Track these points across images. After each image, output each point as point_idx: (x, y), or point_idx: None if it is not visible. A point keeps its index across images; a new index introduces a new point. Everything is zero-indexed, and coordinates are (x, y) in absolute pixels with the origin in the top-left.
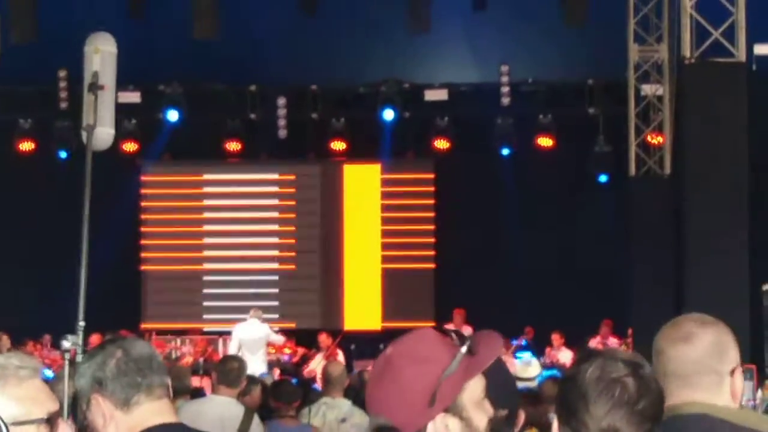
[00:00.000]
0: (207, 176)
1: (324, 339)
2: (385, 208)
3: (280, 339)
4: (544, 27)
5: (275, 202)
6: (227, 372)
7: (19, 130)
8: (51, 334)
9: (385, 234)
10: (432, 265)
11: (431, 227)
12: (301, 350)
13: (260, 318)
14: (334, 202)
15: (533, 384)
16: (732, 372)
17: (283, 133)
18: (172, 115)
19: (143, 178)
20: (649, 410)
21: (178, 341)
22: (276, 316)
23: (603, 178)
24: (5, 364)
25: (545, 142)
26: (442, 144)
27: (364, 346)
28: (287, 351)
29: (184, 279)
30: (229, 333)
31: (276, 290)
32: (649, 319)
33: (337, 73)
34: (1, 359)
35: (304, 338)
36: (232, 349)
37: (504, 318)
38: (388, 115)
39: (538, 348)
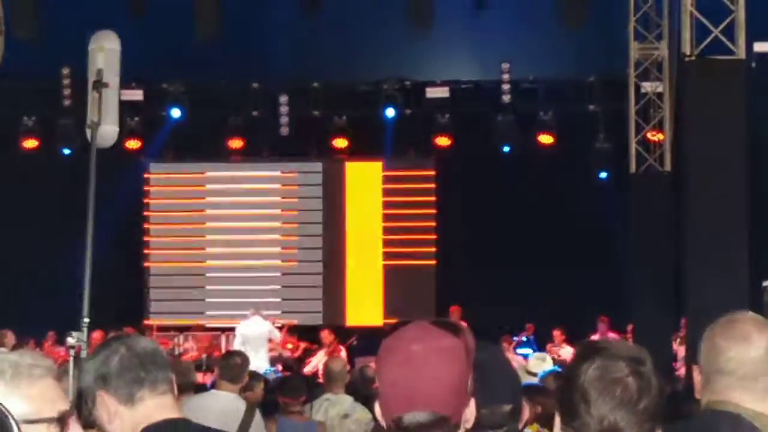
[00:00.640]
0: (210, 173)
1: (326, 335)
2: (386, 205)
3: (279, 335)
4: (545, 25)
5: (277, 199)
6: (230, 367)
7: (22, 128)
8: (55, 330)
9: (387, 231)
10: (433, 262)
11: (432, 224)
12: (302, 345)
13: (262, 315)
14: (336, 199)
15: (535, 379)
16: None
17: (285, 130)
18: (175, 113)
19: (146, 175)
20: (651, 409)
21: (181, 338)
22: (278, 312)
23: (603, 175)
24: (18, 362)
25: (546, 139)
26: (443, 141)
27: (365, 342)
28: (289, 347)
29: (188, 275)
30: (232, 329)
31: (278, 286)
32: (650, 315)
33: (339, 71)
34: (15, 357)
35: (306, 335)
36: (236, 346)
37: (505, 314)
38: (390, 112)
39: (539, 344)
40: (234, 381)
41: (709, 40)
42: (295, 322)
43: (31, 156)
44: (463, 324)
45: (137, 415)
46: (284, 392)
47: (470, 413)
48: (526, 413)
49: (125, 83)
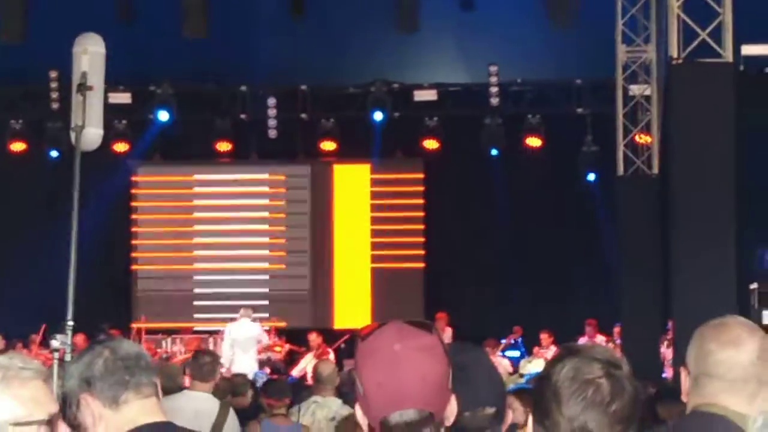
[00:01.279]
0: (197, 176)
1: (314, 338)
2: (374, 208)
3: (268, 340)
4: (533, 27)
5: (265, 201)
6: (199, 366)
7: (10, 131)
8: (40, 332)
9: (375, 234)
10: (421, 265)
11: (421, 227)
12: (287, 347)
13: (250, 317)
14: (323, 201)
15: (522, 381)
16: None
17: (273, 133)
18: (163, 116)
19: (134, 178)
20: (623, 411)
21: (169, 340)
22: (266, 315)
23: (591, 178)
24: (8, 364)
25: (534, 142)
26: (431, 144)
27: (353, 344)
28: (277, 349)
29: (175, 278)
30: (219, 332)
31: (266, 289)
32: (637, 317)
33: (327, 74)
34: (5, 360)
35: (294, 337)
36: (225, 349)
37: (493, 317)
38: (378, 115)
39: (527, 347)
40: (205, 380)
41: (696, 43)
42: (282, 324)
43: (19, 159)
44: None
45: (121, 418)
46: (268, 394)
47: (451, 410)
48: (510, 417)
49: (113, 86)
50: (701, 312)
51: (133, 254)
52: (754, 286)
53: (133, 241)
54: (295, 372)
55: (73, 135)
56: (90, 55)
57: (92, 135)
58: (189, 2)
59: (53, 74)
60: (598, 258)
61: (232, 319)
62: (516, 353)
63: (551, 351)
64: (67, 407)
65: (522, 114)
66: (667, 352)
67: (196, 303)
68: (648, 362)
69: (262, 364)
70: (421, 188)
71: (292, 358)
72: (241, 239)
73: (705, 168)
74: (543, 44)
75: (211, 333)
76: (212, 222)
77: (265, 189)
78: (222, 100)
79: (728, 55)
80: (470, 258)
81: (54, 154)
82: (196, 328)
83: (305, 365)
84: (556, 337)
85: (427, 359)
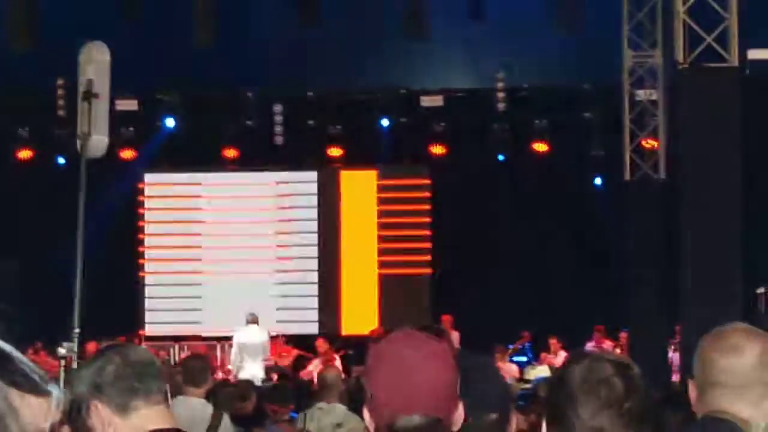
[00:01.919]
0: (204, 183)
1: (321, 344)
2: (381, 214)
3: (268, 351)
4: (539, 33)
5: (273, 208)
6: (191, 371)
7: (17, 139)
8: (43, 341)
9: (382, 239)
10: (428, 270)
11: (428, 232)
12: (295, 352)
13: (258, 323)
14: (331, 208)
15: (528, 385)
16: None
17: (280, 139)
18: (170, 122)
19: (141, 185)
20: (636, 410)
21: (177, 347)
22: (274, 321)
23: (598, 183)
24: None
25: (540, 147)
26: (438, 149)
27: (362, 351)
28: (285, 355)
29: (183, 285)
30: (228, 338)
31: (274, 296)
32: (645, 322)
33: (334, 80)
34: None
35: (302, 344)
36: (233, 355)
37: (501, 322)
38: (385, 121)
39: (535, 353)
40: (197, 384)
41: (702, 47)
42: (290, 331)
43: (27, 166)
44: (455, 334)
45: (131, 425)
46: (273, 400)
47: (459, 416)
48: (515, 422)
49: (120, 93)
50: (709, 316)
51: (141, 261)
52: (761, 290)
53: (141, 248)
54: (303, 374)
55: (78, 142)
56: (96, 63)
57: (98, 142)
58: (199, 10)
59: (60, 81)
60: (605, 262)
61: (241, 326)
62: (523, 358)
63: (560, 357)
64: (76, 412)
65: (529, 119)
66: (674, 356)
67: (203, 310)
68: (656, 368)
69: (269, 370)
70: (428, 194)
71: (300, 364)
72: (248, 245)
73: (712, 172)
74: (549, 50)
75: (218, 339)
76: (219, 228)
77: (272, 195)
78: (229, 107)
79: (734, 60)
80: (477, 263)
81: (61, 161)
82: (204, 335)
83: (312, 371)
84: (565, 342)
85: (437, 365)
